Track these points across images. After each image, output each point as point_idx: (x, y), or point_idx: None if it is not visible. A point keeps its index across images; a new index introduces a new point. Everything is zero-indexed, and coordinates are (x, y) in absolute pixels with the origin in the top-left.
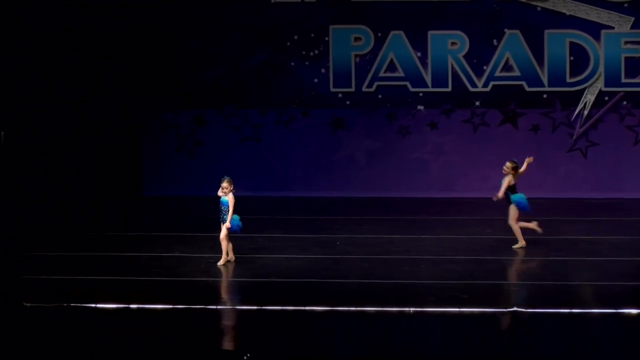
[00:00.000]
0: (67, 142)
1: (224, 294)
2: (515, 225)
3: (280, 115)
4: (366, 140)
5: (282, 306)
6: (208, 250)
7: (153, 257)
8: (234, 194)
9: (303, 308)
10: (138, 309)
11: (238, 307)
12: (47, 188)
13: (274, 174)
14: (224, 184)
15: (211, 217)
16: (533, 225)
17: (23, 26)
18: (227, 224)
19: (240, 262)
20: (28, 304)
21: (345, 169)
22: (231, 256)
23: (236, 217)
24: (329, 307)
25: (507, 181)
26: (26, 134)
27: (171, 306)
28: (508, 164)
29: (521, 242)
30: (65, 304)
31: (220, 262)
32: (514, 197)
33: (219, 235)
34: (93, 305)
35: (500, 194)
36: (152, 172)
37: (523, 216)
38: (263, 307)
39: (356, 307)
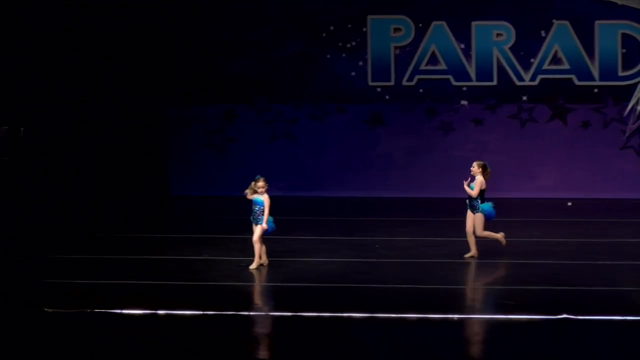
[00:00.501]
0: (89, 140)
1: (256, 300)
2: (484, 234)
3: (314, 110)
4: (405, 137)
5: (317, 312)
6: (238, 253)
7: (180, 261)
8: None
9: (339, 314)
10: (165, 315)
11: (271, 313)
12: (69, 187)
13: (307, 172)
14: (260, 183)
15: (240, 218)
16: (500, 236)
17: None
18: (264, 225)
19: (272, 265)
20: (49, 310)
21: (382, 168)
22: (264, 259)
23: (270, 218)
24: (367, 313)
25: (479, 183)
26: (43, 133)
27: (200, 312)
28: (476, 164)
29: (473, 251)
30: (88, 310)
31: (253, 266)
32: (483, 206)
33: (251, 237)
34: (118, 311)
35: (475, 194)
36: (179, 171)
37: (488, 224)
38: (297, 314)
39: (395, 313)
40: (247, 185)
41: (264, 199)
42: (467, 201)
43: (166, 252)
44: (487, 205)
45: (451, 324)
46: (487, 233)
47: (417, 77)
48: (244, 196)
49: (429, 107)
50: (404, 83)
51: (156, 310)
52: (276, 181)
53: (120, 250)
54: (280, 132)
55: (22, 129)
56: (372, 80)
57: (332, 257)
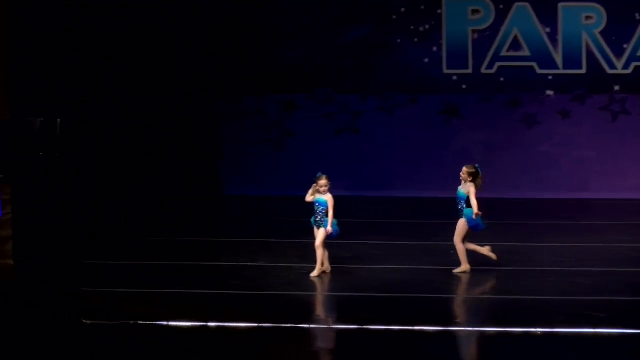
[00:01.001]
0: (139, 135)
1: (319, 311)
2: (460, 245)
3: (382, 101)
4: (484, 131)
5: (386, 325)
6: (297, 259)
7: (234, 267)
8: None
9: (410, 328)
10: (217, 327)
11: (335, 326)
12: (109, 187)
13: (375, 170)
14: (322, 182)
15: (299, 220)
16: (486, 250)
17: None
18: (328, 229)
19: (336, 273)
20: (88, 322)
21: (458, 165)
22: (327, 266)
23: (334, 220)
24: (441, 326)
25: (473, 194)
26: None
27: (256, 324)
28: (465, 169)
29: (465, 266)
30: (132, 322)
31: (315, 273)
32: (468, 211)
33: (313, 242)
34: (164, 323)
35: (476, 209)
36: (233, 168)
37: (473, 236)
38: (364, 327)
39: (472, 327)
40: (307, 185)
41: (328, 198)
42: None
43: (218, 258)
44: (472, 213)
45: (534, 338)
46: (473, 246)
47: (497, 64)
48: (305, 199)
49: (511, 98)
50: (483, 71)
51: (207, 322)
52: (340, 180)
53: (167, 255)
54: (344, 125)
55: (59, 121)
56: (447, 68)
57: (402, 263)
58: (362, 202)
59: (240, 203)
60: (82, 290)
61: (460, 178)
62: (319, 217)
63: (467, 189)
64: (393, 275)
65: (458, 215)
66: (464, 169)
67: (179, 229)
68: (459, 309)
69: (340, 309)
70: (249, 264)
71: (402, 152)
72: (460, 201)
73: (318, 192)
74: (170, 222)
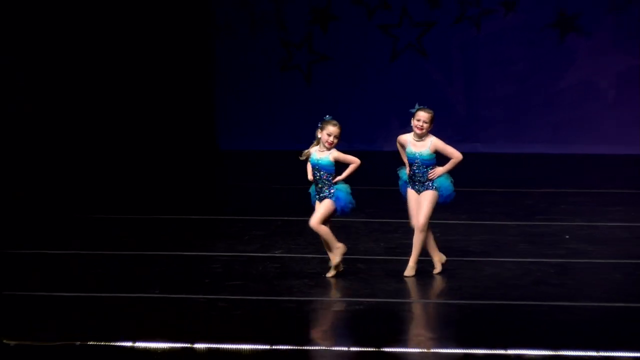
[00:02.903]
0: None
1: (326, 328)
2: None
3: (464, 8)
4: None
5: (471, 348)
6: (314, 247)
7: (234, 259)
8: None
9: (507, 352)
10: (207, 350)
11: (389, 349)
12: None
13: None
14: (332, 128)
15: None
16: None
17: None
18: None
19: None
20: (11, 343)
21: (575, 107)
22: (335, 260)
23: (344, 188)
24: (551, 350)
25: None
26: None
27: (267, 347)
28: (425, 114)
29: (438, 258)
30: (78, 342)
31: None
32: (441, 180)
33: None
34: (128, 344)
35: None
36: (233, 115)
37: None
38: (444, 350)
39: (596, 350)
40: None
41: (335, 157)
42: (415, 172)
43: (208, 245)
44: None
45: None
46: (433, 245)
47: None
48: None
49: None
50: None
51: (192, 343)
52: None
53: (138, 241)
54: (405, 44)
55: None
56: None
57: (493, 255)
58: None
59: (243, 161)
60: (3, 295)
61: (417, 129)
62: (320, 185)
63: (433, 145)
64: (481, 273)
65: (414, 186)
66: (423, 113)
67: (158, 202)
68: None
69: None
70: (257, 254)
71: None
72: (419, 165)
73: (321, 149)
74: (146, 192)
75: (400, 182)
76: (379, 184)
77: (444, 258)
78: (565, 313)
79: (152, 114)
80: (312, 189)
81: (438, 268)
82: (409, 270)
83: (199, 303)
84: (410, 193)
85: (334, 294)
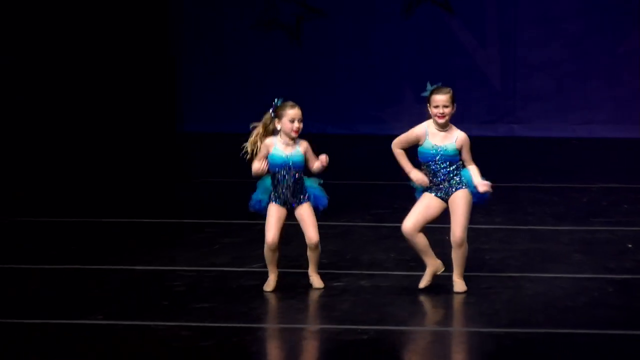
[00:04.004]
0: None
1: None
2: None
3: None
4: None
5: None
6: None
7: (202, 275)
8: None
9: None
10: None
11: None
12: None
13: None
14: (295, 111)
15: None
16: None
17: None
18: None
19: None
20: None
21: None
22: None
23: (314, 183)
24: None
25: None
26: None
27: None
28: (445, 97)
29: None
30: None
31: (315, 282)
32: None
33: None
34: None
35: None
36: (199, 88)
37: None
38: None
39: None
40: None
41: (304, 149)
42: (434, 172)
43: (172, 256)
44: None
45: None
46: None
47: None
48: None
49: None
50: None
51: None
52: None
53: (75, 247)
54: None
55: None
56: None
57: (538, 269)
58: None
59: (207, 145)
60: None
61: (438, 117)
62: (292, 187)
63: (461, 140)
64: (523, 293)
65: (440, 188)
66: (440, 97)
67: (103, 200)
68: None
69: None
70: (218, 267)
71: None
72: (440, 162)
73: (286, 141)
74: (88, 188)
75: (416, 194)
76: (390, 178)
77: (441, 268)
78: (630, 343)
79: (96, 88)
80: (260, 192)
81: (426, 281)
82: (458, 286)
83: (156, 331)
84: (426, 195)
85: (330, 320)
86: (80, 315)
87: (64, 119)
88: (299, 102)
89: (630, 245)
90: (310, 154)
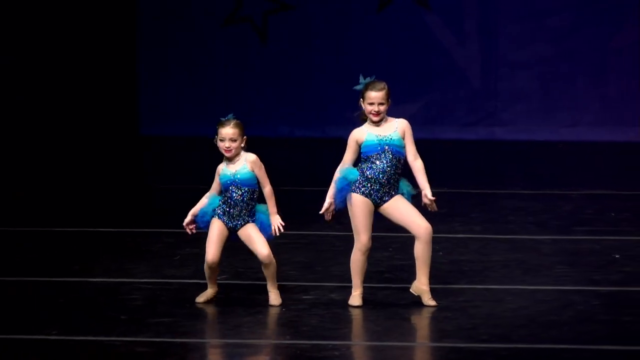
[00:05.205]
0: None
1: None
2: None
3: None
4: None
5: None
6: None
7: (161, 288)
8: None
9: None
10: None
11: None
12: None
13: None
14: (228, 130)
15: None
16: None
17: None
18: (275, 225)
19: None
20: None
21: None
22: (212, 290)
23: (265, 210)
24: None
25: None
26: None
27: None
28: (382, 93)
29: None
30: None
31: (274, 301)
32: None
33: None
34: None
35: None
36: (159, 89)
37: None
38: None
39: None
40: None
41: (252, 165)
42: (384, 169)
43: (130, 268)
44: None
45: None
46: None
47: None
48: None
49: None
50: None
51: None
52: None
53: (21, 258)
54: None
55: None
56: None
57: (520, 281)
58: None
59: (167, 149)
60: None
61: (373, 115)
62: (240, 206)
63: (402, 127)
64: (503, 306)
65: (373, 192)
66: (374, 94)
67: (56, 208)
68: None
69: None
70: (178, 279)
71: None
72: (392, 158)
73: (227, 159)
74: (41, 194)
75: (339, 184)
76: None
77: (357, 300)
78: (617, 359)
79: (56, 90)
80: (210, 205)
81: (357, 301)
82: (425, 297)
83: (112, 347)
84: (360, 200)
85: (299, 335)
86: (33, 330)
87: (20, 123)
88: (265, 104)
89: (616, 256)
90: (259, 173)
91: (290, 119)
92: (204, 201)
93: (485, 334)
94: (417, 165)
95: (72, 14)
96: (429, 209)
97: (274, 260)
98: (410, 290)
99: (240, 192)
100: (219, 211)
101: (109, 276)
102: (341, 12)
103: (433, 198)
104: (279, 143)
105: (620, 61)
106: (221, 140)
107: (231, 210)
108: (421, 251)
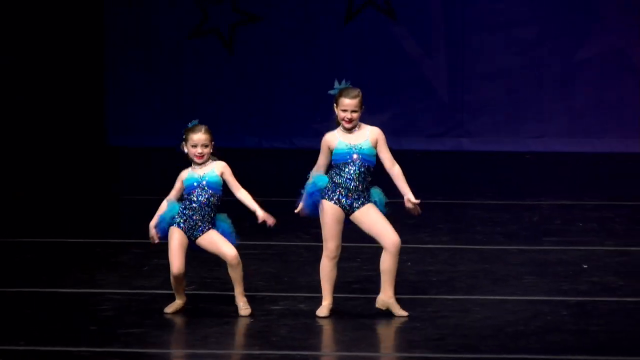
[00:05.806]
0: None
1: None
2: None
3: None
4: None
5: None
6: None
7: (130, 298)
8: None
9: None
10: None
11: None
12: None
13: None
14: (197, 136)
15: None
16: None
17: None
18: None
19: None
20: None
21: None
22: (181, 301)
23: (226, 218)
24: None
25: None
26: None
27: None
28: (355, 101)
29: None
30: None
31: (244, 312)
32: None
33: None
34: None
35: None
36: (126, 100)
37: None
38: None
39: None
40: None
41: (221, 170)
42: (352, 176)
43: (99, 278)
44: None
45: None
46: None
47: None
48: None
49: None
50: None
51: None
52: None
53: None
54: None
55: None
56: None
57: (488, 291)
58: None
59: (135, 160)
60: None
61: (345, 122)
62: (203, 211)
63: (374, 135)
64: (475, 317)
65: (343, 200)
66: (348, 101)
67: (23, 218)
68: None
69: None
70: (148, 290)
71: None
72: (361, 166)
73: (195, 163)
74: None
75: (309, 189)
76: None
77: (324, 312)
78: None
79: (18, 101)
80: (168, 212)
81: (325, 312)
82: (395, 309)
83: (81, 358)
84: (329, 207)
85: (267, 346)
86: (1, 340)
87: None
88: (233, 116)
89: (585, 266)
90: (230, 178)
91: (258, 130)
92: (163, 206)
93: (453, 345)
94: (395, 172)
95: (38, 25)
96: (414, 213)
97: (241, 262)
98: (377, 305)
99: (205, 195)
100: (178, 219)
101: (78, 287)
102: (308, 23)
103: (417, 201)
104: (247, 154)
105: (586, 72)
106: (193, 146)
107: (193, 216)
108: (387, 263)
